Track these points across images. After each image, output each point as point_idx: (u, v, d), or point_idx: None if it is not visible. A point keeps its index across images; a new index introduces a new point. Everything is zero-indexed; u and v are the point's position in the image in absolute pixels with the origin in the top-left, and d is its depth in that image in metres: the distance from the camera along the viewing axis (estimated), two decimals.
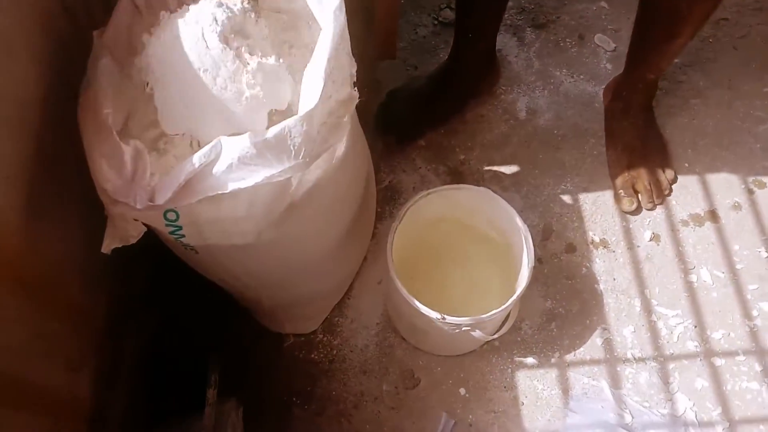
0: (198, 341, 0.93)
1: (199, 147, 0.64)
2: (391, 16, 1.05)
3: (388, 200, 1.08)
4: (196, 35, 0.59)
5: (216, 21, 0.59)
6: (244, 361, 0.95)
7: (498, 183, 1.09)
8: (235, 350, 0.95)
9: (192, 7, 0.61)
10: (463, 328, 0.80)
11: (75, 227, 0.65)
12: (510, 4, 1.27)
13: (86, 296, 0.68)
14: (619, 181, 1.08)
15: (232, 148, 0.55)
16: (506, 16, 1.26)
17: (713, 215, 1.08)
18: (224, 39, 0.59)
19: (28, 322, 0.55)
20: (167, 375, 0.87)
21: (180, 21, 0.59)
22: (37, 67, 0.57)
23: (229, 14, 0.60)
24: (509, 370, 0.95)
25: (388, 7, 1.01)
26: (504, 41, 1.24)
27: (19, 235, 0.53)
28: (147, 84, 0.62)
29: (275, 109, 0.63)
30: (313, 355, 0.96)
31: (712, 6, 0.86)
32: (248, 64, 0.59)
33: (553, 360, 0.96)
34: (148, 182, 0.57)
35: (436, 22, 1.27)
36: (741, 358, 0.97)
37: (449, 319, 0.78)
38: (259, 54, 0.61)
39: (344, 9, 0.61)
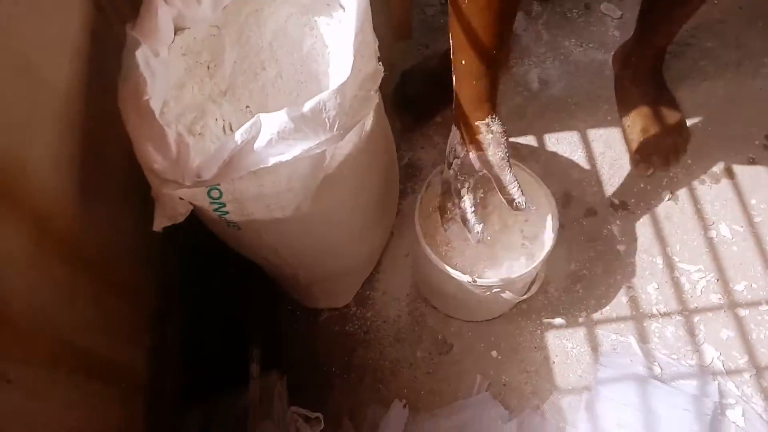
0: (239, 320, 0.97)
1: (232, 131, 0.68)
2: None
3: (409, 177, 1.11)
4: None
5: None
6: (283, 336, 0.99)
7: (516, 153, 1.12)
8: (275, 327, 0.99)
9: None
10: (494, 290, 0.83)
11: (122, 211, 0.69)
12: None
13: (137, 277, 0.72)
14: (634, 146, 1.11)
15: (271, 123, 0.58)
16: None
17: (729, 172, 1.10)
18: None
19: (91, 299, 0.59)
20: (213, 350, 0.91)
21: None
22: (78, 63, 0.61)
23: None
24: (539, 332, 0.99)
25: None
26: None
27: (71, 216, 0.56)
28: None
29: None
30: (348, 327, 1.00)
31: None
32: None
33: (580, 319, 0.99)
34: (192, 161, 0.60)
35: (443, 1, 1.30)
36: (764, 307, 0.99)
37: (480, 281, 0.81)
38: None
39: None
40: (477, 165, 0.74)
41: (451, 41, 0.70)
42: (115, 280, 0.66)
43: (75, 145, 0.59)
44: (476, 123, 0.71)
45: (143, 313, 0.73)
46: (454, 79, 0.72)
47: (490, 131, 0.71)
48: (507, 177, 0.72)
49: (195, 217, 0.71)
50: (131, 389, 0.67)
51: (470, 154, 0.73)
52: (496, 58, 0.68)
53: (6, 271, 0.45)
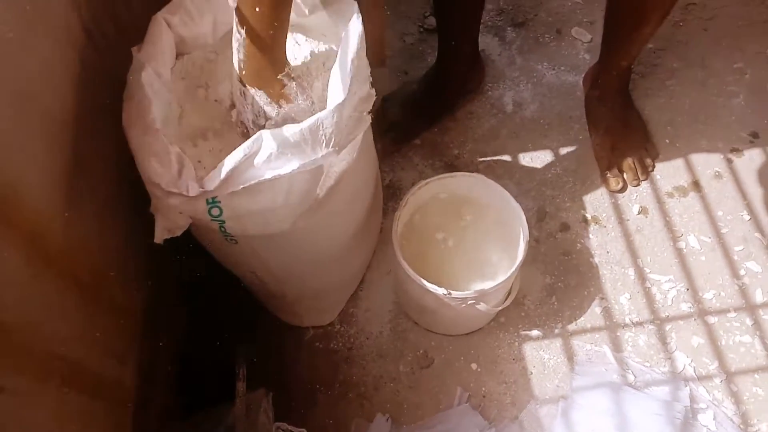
0: (225, 338, 1.00)
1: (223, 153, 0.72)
2: (379, 27, 1.14)
3: (390, 197, 1.15)
4: None
5: None
6: (269, 354, 1.02)
7: (492, 172, 1.17)
8: (260, 345, 1.02)
9: None
10: (469, 302, 0.87)
11: (111, 227, 0.72)
12: (489, 6, 1.36)
13: (126, 294, 0.75)
14: (604, 162, 1.16)
15: (272, 139, 0.62)
16: (486, 18, 1.35)
17: (696, 185, 1.15)
18: None
19: (83, 313, 0.63)
20: (199, 368, 0.94)
21: None
22: (71, 87, 0.65)
23: None
24: (516, 344, 1.02)
25: (374, 18, 1.10)
26: (486, 41, 1.32)
27: (62, 233, 0.60)
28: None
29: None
30: (332, 345, 1.03)
31: None
32: None
33: (556, 331, 1.03)
34: (192, 176, 0.64)
35: (421, 30, 1.35)
36: (732, 314, 1.03)
37: (455, 293, 0.85)
38: None
39: (361, 16, 0.69)
40: None
41: None
42: (105, 296, 0.69)
43: (66, 164, 0.63)
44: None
45: (132, 330, 0.76)
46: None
47: None
48: None
49: (185, 235, 0.75)
50: (119, 404, 0.70)
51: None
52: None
53: None
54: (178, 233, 0.67)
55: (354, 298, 1.06)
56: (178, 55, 0.76)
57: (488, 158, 1.19)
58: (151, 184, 0.64)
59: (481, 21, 1.15)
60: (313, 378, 1.00)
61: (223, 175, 0.62)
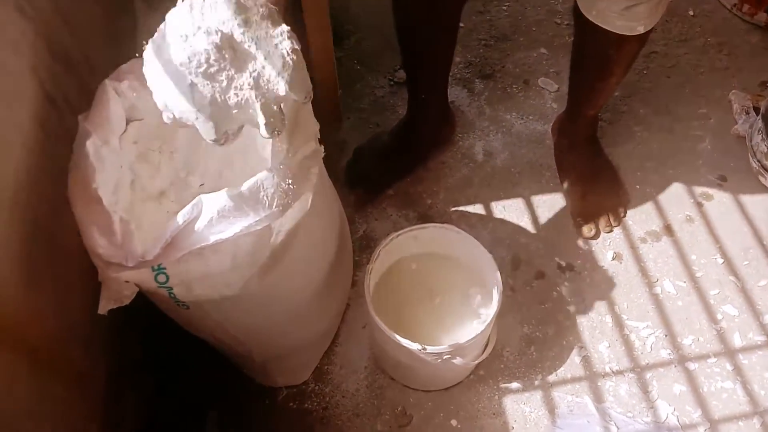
0: (194, 401, 0.96)
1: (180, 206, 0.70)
2: (331, 85, 1.16)
3: (363, 248, 1.14)
4: None
5: None
6: (240, 417, 0.98)
7: (465, 221, 1.16)
8: (231, 408, 0.98)
9: None
10: (444, 357, 0.85)
11: (72, 296, 0.69)
12: (457, 59, 1.38)
13: (87, 362, 0.72)
14: (576, 210, 1.16)
15: (211, 204, 0.61)
16: (455, 70, 1.37)
17: (668, 230, 1.16)
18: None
19: (37, 387, 0.59)
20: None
21: None
22: (28, 154, 0.64)
23: None
24: (496, 397, 0.99)
25: (324, 78, 1.12)
26: (456, 93, 1.34)
27: (18, 304, 0.57)
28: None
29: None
30: (306, 405, 0.99)
31: (638, 48, 0.96)
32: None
33: (536, 382, 1.01)
34: (136, 244, 0.63)
35: (392, 83, 1.37)
36: (712, 360, 1.02)
37: (430, 348, 0.83)
38: None
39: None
40: None
41: None
42: (62, 367, 0.66)
43: (23, 232, 0.61)
44: None
45: (93, 400, 0.73)
46: None
47: None
48: None
49: (146, 301, 0.73)
50: None
51: None
52: None
53: None
54: (126, 302, 0.65)
55: (328, 354, 1.04)
56: (130, 120, 0.75)
57: (461, 207, 1.18)
58: (93, 254, 0.62)
59: (450, 74, 1.17)
60: None
61: (163, 242, 0.60)
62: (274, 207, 0.63)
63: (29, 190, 0.62)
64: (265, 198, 0.63)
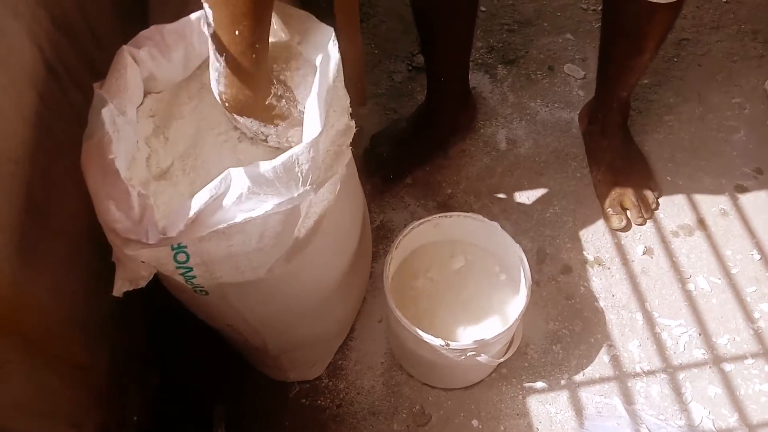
0: (202, 395, 0.91)
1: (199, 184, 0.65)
2: (357, 67, 1.10)
3: (381, 239, 1.08)
4: None
5: None
6: (250, 412, 0.93)
7: (487, 212, 1.11)
8: (241, 402, 0.94)
9: None
10: (468, 354, 0.79)
11: (71, 282, 0.65)
12: (479, 44, 1.33)
13: (87, 352, 0.67)
14: (606, 200, 1.10)
15: (241, 178, 0.55)
16: (477, 55, 1.31)
17: (702, 224, 1.10)
18: None
19: (30, 378, 0.55)
20: (174, 429, 0.85)
21: None
22: (25, 124, 0.59)
23: None
24: (520, 397, 0.94)
25: (352, 59, 1.06)
26: (477, 79, 1.28)
27: (12, 287, 0.53)
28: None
29: None
30: (319, 401, 0.94)
31: (671, 19, 0.90)
32: None
33: (562, 382, 0.95)
34: (157, 219, 0.57)
35: (410, 68, 1.32)
36: (750, 361, 0.96)
37: (453, 344, 0.78)
38: None
39: (337, 43, 0.64)
40: None
41: None
42: (60, 355, 0.62)
43: (18, 209, 0.56)
44: None
45: (94, 393, 0.68)
46: None
47: None
48: None
49: (157, 282, 0.67)
50: None
51: None
52: None
53: None
54: (142, 284, 0.59)
55: (343, 348, 0.98)
56: (148, 93, 0.70)
57: (483, 197, 1.13)
58: (108, 230, 0.56)
59: (471, 59, 1.11)
60: None
61: (187, 219, 0.54)
62: (308, 185, 0.58)
63: (25, 163, 0.57)
64: (299, 174, 0.57)
